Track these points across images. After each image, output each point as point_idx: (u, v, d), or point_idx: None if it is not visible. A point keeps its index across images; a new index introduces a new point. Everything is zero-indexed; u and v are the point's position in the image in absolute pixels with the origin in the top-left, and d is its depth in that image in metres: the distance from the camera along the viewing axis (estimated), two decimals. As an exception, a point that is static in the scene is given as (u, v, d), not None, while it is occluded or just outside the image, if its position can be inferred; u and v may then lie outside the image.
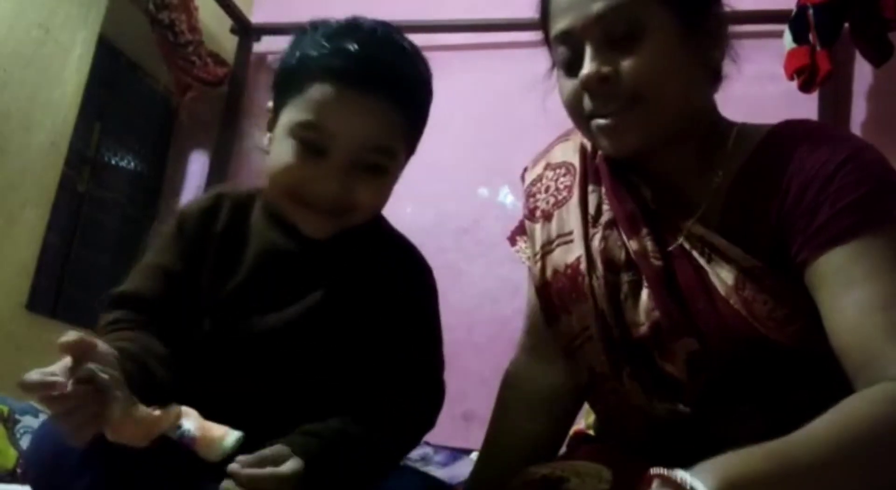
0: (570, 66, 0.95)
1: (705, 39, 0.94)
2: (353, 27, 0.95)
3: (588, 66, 0.91)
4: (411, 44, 0.98)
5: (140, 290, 0.96)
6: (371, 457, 0.92)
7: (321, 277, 0.97)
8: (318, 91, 0.91)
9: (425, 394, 1.01)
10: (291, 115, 0.93)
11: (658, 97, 0.91)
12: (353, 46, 0.91)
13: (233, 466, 0.80)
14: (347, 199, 0.93)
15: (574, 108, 0.96)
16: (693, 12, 0.93)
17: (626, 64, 0.90)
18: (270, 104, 0.99)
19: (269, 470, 0.81)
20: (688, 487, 0.64)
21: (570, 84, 0.95)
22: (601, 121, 0.93)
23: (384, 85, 0.91)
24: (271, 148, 0.96)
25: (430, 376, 1.02)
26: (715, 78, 0.98)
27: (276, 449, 0.84)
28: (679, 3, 0.92)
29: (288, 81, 0.94)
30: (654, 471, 0.67)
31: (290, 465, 0.83)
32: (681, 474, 0.65)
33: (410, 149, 1.02)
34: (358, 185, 0.93)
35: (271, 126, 0.98)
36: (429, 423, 1.01)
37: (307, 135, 0.91)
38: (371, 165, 0.93)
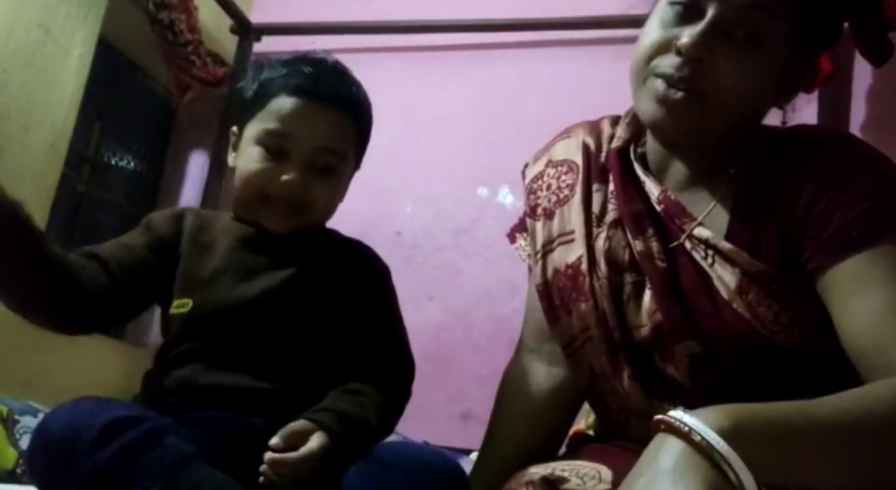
0: (675, 20, 0.90)
1: (794, 83, 0.94)
2: (305, 57, 1.14)
3: (696, 37, 0.87)
4: (353, 75, 1.16)
5: (94, 249, 1.04)
6: (371, 432, 0.99)
7: (289, 259, 1.08)
8: (278, 103, 1.08)
9: (402, 370, 1.10)
10: (257, 126, 1.09)
11: (725, 106, 0.89)
12: (307, 68, 1.10)
13: (277, 457, 0.90)
14: (305, 197, 1.08)
15: (647, 56, 0.92)
16: (804, 56, 0.93)
17: (725, 60, 0.87)
18: (234, 129, 1.15)
19: (305, 450, 0.91)
20: (686, 430, 0.64)
21: (661, 35, 0.91)
22: (665, 88, 0.89)
23: (334, 97, 1.09)
24: (238, 160, 1.12)
25: (402, 353, 1.12)
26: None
27: (302, 423, 0.94)
28: (800, 42, 0.90)
29: (251, 103, 1.11)
30: (658, 417, 0.68)
31: (318, 439, 0.92)
32: (684, 419, 0.65)
33: (358, 158, 1.16)
34: (314, 184, 1.08)
35: (235, 146, 1.14)
36: (407, 394, 1.10)
37: (271, 140, 1.07)
38: (324, 166, 1.09)
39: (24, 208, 0.90)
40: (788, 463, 0.67)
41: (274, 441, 0.91)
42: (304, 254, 1.09)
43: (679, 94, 0.89)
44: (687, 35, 0.88)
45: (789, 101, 0.96)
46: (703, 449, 0.63)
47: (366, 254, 1.17)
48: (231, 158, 1.14)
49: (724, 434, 0.64)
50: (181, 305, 1.05)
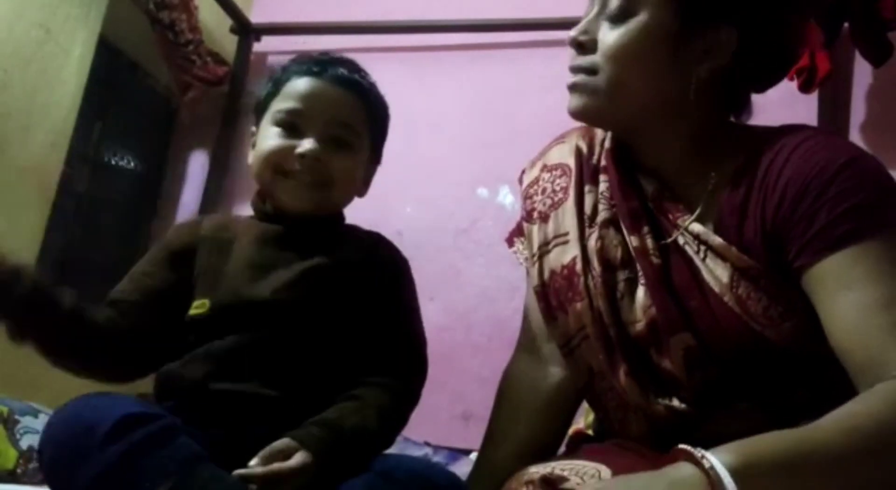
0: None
1: (697, 52, 0.94)
2: (315, 55, 1.19)
3: (574, 30, 0.98)
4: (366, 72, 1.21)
5: (114, 295, 1.08)
6: (370, 440, 0.97)
7: (308, 254, 1.08)
8: (290, 86, 1.13)
9: (412, 370, 1.09)
10: (272, 110, 1.13)
11: (614, 76, 0.95)
12: (318, 57, 1.17)
13: (243, 471, 0.88)
14: (324, 170, 1.09)
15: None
16: (696, 20, 0.93)
17: (605, 36, 0.95)
18: (253, 128, 1.19)
19: (276, 466, 0.89)
20: (707, 465, 0.67)
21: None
22: (570, 78, 0.99)
23: (342, 77, 1.14)
24: (254, 147, 1.15)
25: (415, 353, 1.10)
26: (714, 88, 0.97)
27: (285, 442, 0.92)
28: (683, 6, 0.92)
29: (267, 97, 1.16)
30: (680, 446, 0.71)
31: (298, 458, 0.90)
32: (703, 452, 0.69)
33: (375, 148, 1.19)
34: (331, 157, 1.09)
35: (254, 145, 1.17)
36: (416, 398, 1.08)
37: (285, 118, 1.11)
38: (339, 139, 1.11)
39: (38, 279, 0.95)
40: None
41: (252, 462, 0.89)
42: (322, 249, 1.09)
43: (577, 77, 0.98)
44: (569, 34, 0.99)
45: (705, 75, 0.94)
46: (712, 481, 0.67)
47: (382, 245, 1.17)
48: (250, 156, 1.17)
49: (733, 471, 0.67)
50: (199, 306, 1.05)
